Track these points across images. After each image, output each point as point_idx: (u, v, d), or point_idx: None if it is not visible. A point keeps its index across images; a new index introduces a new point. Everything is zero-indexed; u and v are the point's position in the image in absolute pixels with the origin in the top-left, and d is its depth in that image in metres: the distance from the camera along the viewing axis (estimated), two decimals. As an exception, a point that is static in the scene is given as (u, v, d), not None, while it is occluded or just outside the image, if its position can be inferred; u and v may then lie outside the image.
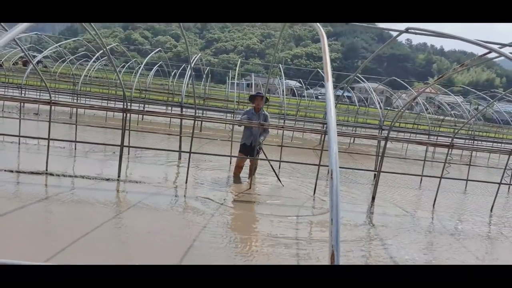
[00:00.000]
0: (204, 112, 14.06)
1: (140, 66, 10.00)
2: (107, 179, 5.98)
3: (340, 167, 6.11)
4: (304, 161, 8.71)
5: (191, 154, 6.70)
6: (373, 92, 8.71)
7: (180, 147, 7.99)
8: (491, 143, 13.43)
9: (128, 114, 6.16)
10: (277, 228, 4.88)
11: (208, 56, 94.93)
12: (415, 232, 5.46)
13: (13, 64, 22.22)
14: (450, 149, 6.51)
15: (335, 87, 17.27)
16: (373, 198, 6.71)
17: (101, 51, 13.25)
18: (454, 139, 9.94)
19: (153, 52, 10.70)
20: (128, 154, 7.85)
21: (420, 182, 8.63)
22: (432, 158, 12.50)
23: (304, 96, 20.93)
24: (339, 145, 13.36)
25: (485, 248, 5.31)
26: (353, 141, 15.00)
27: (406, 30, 3.83)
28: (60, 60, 18.81)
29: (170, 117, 12.04)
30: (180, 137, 8.00)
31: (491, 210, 6.87)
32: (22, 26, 2.00)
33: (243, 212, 5.68)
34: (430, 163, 11.26)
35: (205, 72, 15.70)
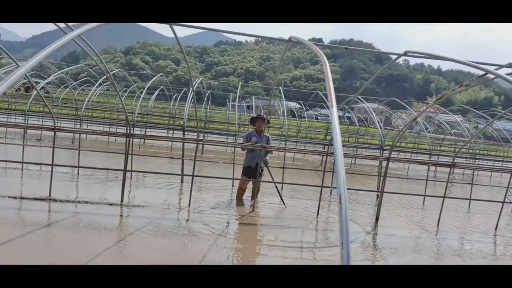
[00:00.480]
0: (206, 135, 14.12)
1: (143, 91, 10.13)
2: (110, 204, 5.98)
3: (347, 189, 6.04)
4: (305, 182, 8.73)
5: (192, 178, 6.71)
6: (373, 113, 8.80)
7: (182, 170, 8.01)
8: (493, 162, 13.43)
9: (131, 139, 6.21)
10: (281, 260, 4.80)
11: (208, 79, 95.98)
12: (421, 254, 5.42)
13: (16, 90, 22.45)
14: (452, 169, 6.53)
15: (347, 108, 17.42)
16: (377, 218, 6.68)
17: (104, 76, 13.46)
18: (456, 158, 9.97)
19: (155, 77, 10.86)
20: (131, 178, 7.87)
21: (423, 202, 8.60)
22: (434, 178, 12.49)
23: (304, 117, 21.06)
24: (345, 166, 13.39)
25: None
26: (355, 162, 15.01)
27: (405, 54, 3.91)
28: (62, 86, 19.05)
29: (173, 141, 12.12)
30: (182, 160, 8.03)
31: (495, 229, 6.83)
32: (25, 67, 2.06)
33: (245, 238, 5.64)
34: (433, 182, 11.25)
35: (206, 95, 15.87)
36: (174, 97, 18.37)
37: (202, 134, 13.15)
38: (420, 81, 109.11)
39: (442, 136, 18.78)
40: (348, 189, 8.68)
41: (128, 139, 5.99)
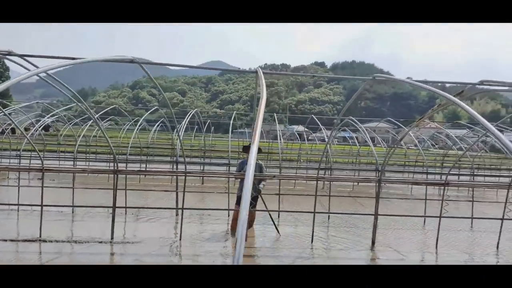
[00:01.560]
0: (204, 165, 14.04)
1: (138, 124, 10.18)
2: (100, 242, 5.94)
3: (339, 213, 5.95)
4: (307, 209, 8.54)
5: (191, 210, 6.62)
6: (366, 132, 8.75)
7: (177, 203, 7.96)
8: (496, 176, 13.14)
9: (118, 175, 6.21)
10: None
11: (214, 108, 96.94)
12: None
13: (25, 129, 22.71)
14: (446, 187, 6.40)
15: (336, 129, 17.37)
16: (373, 242, 6.52)
17: (103, 110, 13.65)
18: (458, 175, 9.79)
19: (150, 110, 10.97)
20: (126, 214, 7.84)
21: (424, 223, 8.39)
22: (439, 196, 12.21)
23: (309, 140, 21.02)
24: (343, 188, 13.16)
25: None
26: (358, 184, 14.80)
27: (373, 78, 3.92)
28: (66, 123, 19.34)
29: (160, 175, 12.04)
30: (177, 193, 7.99)
31: (497, 248, 6.61)
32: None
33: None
34: (437, 201, 10.96)
35: (206, 124, 15.97)
36: (177, 128, 18.52)
37: (198, 165, 13.13)
38: (425, 98, 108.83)
39: (445, 151, 18.55)
40: (345, 213, 8.54)
41: (115, 175, 6.00)
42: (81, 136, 10.74)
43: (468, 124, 17.76)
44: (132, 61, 3.64)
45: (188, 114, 9.74)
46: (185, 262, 5.39)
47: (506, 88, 3.10)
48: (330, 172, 9.29)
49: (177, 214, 8.08)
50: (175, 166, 13.45)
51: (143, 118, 11.38)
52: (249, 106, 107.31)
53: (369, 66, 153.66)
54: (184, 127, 10.71)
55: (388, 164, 16.17)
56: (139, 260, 5.28)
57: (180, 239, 6.30)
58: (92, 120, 18.71)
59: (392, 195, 12.16)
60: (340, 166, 15.48)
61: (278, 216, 8.41)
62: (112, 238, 6.03)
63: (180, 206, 7.86)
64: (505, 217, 6.51)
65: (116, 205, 6.10)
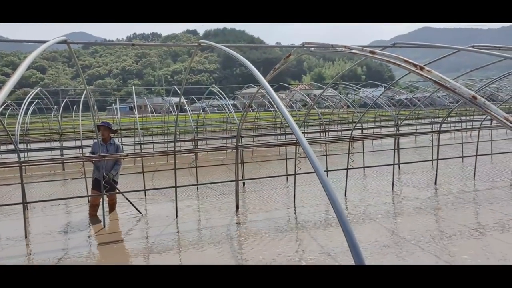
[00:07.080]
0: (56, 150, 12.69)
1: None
2: None
3: (201, 184, 5.83)
4: (179, 183, 8.33)
5: (41, 202, 5.89)
6: (227, 99, 8.83)
7: (23, 196, 7.04)
8: (348, 130, 14.65)
9: None
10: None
11: (81, 84, 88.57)
12: (274, 231, 5.53)
13: None
14: (297, 146, 6.83)
15: (218, 98, 17.39)
16: (237, 207, 6.69)
17: None
18: (319, 132, 10.54)
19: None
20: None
21: (287, 180, 8.94)
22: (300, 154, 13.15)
23: (188, 111, 20.56)
24: (219, 156, 13.28)
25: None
26: (232, 150, 15.09)
27: (303, 45, 3.80)
28: None
29: None
30: (22, 185, 7.03)
31: (345, 195, 7.38)
32: None
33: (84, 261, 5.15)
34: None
35: (63, 103, 14.35)
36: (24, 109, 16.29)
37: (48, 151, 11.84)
38: (293, 62, 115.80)
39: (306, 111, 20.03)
40: (206, 183, 8.58)
41: None
42: None
43: (320, 84, 19.30)
44: None
45: (30, 93, 8.53)
46: (30, 259, 4.81)
47: (328, 49, 3.27)
48: (195, 144, 9.19)
49: (26, 209, 7.18)
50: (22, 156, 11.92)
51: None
52: (121, 80, 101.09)
53: (240, 32, 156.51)
54: (31, 109, 9.42)
55: (263, 127, 16.80)
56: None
57: (25, 237, 5.60)
58: None
59: (264, 157, 12.71)
60: (211, 135, 15.55)
61: (145, 195, 8.10)
62: None
63: (28, 199, 7.03)
64: (349, 167, 7.25)
65: None
